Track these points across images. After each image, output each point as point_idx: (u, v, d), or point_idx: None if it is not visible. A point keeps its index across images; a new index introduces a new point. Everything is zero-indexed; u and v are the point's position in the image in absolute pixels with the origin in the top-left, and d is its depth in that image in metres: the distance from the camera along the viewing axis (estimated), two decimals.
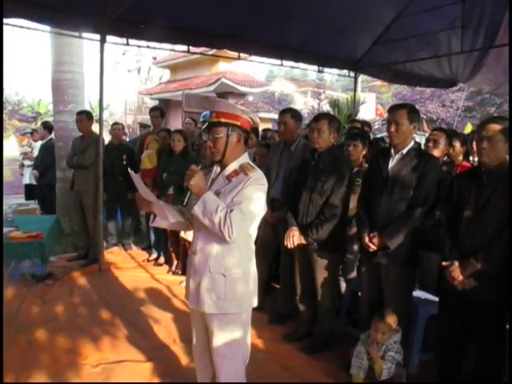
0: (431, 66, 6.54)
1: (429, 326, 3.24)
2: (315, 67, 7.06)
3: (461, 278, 2.51)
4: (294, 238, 3.38)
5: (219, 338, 2.19)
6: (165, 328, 3.79)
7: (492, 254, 2.44)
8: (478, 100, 19.52)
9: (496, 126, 2.48)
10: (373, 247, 2.99)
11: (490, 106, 19.55)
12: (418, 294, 3.41)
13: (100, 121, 5.40)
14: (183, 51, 6.07)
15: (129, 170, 2.31)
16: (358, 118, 8.33)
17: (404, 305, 3.04)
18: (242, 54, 6.20)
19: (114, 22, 4.79)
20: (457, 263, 2.53)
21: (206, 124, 2.25)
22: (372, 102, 19.61)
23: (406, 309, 3.05)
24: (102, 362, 3.20)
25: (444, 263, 2.60)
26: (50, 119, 8.60)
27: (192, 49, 5.73)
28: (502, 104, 17.74)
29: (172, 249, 5.39)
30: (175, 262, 5.38)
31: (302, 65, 6.71)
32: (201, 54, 8.15)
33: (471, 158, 4.45)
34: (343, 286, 4.00)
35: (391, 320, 2.82)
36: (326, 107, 17.44)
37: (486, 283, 2.47)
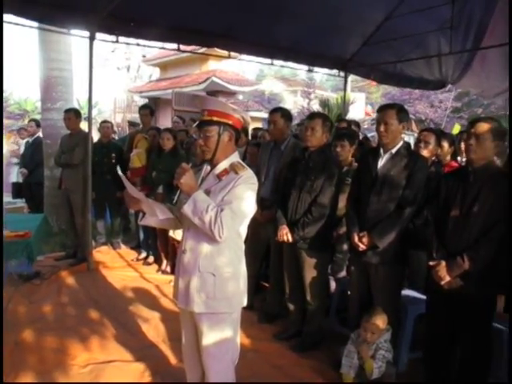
0: (421, 68, 6.58)
1: (417, 324, 3.26)
2: (305, 67, 7.06)
3: (447, 278, 2.54)
4: (287, 235, 3.39)
5: (208, 338, 2.19)
6: (154, 327, 3.77)
7: (478, 253, 2.47)
8: (465, 101, 19.69)
9: (485, 125, 2.53)
10: (362, 246, 3.01)
11: (478, 107, 19.74)
12: (407, 292, 3.43)
13: (89, 119, 5.36)
14: (173, 49, 6.03)
15: (117, 168, 2.30)
16: (347, 117, 8.36)
17: (393, 304, 3.06)
18: (232, 53, 6.19)
19: (104, 19, 4.74)
20: (443, 263, 2.55)
21: (198, 122, 2.24)
22: (361, 101, 19.72)
23: (394, 308, 3.07)
24: (90, 362, 3.18)
25: (431, 263, 2.62)
26: (38, 117, 8.51)
27: (182, 47, 5.70)
28: (488, 105, 17.93)
29: (161, 248, 5.37)
30: (164, 261, 5.36)
31: (292, 64, 6.70)
32: (191, 52, 8.14)
33: (459, 158, 4.49)
34: (333, 285, 4.01)
35: (381, 319, 2.84)
36: (315, 107, 17.52)
37: (472, 283, 2.50)
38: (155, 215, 2.24)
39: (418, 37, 5.54)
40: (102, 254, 5.89)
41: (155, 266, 5.50)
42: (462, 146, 3.96)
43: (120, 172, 2.26)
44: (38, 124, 7.67)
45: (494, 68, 5.97)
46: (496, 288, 2.67)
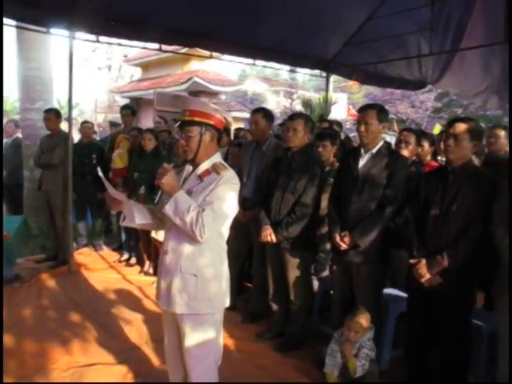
0: (401, 68, 6.66)
1: (399, 322, 3.30)
2: (287, 67, 7.09)
3: (427, 275, 2.58)
4: (271, 236, 3.40)
5: (191, 339, 2.18)
6: (136, 329, 3.75)
7: (458, 251, 2.51)
8: (445, 101, 19.96)
9: (463, 125, 2.58)
10: (344, 246, 3.03)
11: (457, 107, 20.03)
12: (388, 291, 3.46)
13: (69, 119, 5.29)
14: (155, 49, 5.99)
15: (98, 169, 2.27)
16: (329, 117, 8.41)
17: (375, 302, 3.09)
18: (214, 53, 6.18)
19: (84, 17, 4.68)
20: (424, 261, 2.59)
21: (179, 122, 2.23)
22: (344, 102, 19.83)
23: (376, 306, 3.10)
24: (72, 366, 3.14)
25: (411, 261, 2.66)
26: (17, 117, 8.37)
27: (164, 47, 5.66)
28: (468, 105, 18.21)
29: (143, 249, 5.34)
30: (147, 263, 5.32)
31: (274, 64, 6.71)
32: (173, 52, 8.09)
33: (439, 158, 4.55)
34: (316, 284, 4.03)
35: (364, 318, 2.86)
36: (298, 107, 17.57)
37: (451, 280, 2.54)
38: (133, 221, 2.22)
39: (398, 38, 5.60)
40: (84, 255, 5.82)
41: (137, 268, 5.46)
42: (442, 145, 4.02)
43: (100, 173, 2.23)
44: (16, 124, 7.54)
45: (472, 68, 6.07)
46: (475, 285, 2.72)
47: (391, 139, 7.29)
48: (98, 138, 8.71)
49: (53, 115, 5.44)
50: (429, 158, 4.03)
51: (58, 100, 20.67)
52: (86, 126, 6.25)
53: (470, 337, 2.66)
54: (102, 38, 5.23)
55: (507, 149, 4.35)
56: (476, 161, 3.55)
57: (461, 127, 2.57)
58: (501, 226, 2.35)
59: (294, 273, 3.44)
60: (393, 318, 3.29)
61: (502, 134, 4.19)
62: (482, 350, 2.97)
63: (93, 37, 5.17)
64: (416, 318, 2.79)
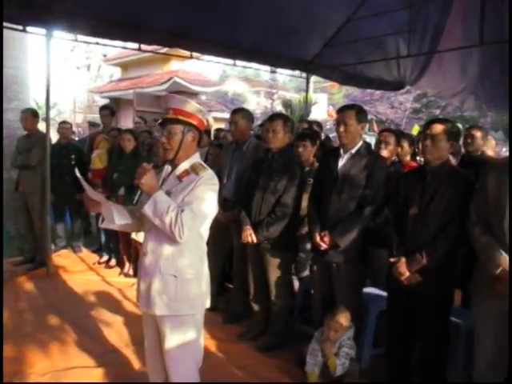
0: (380, 69, 6.73)
1: (379, 321, 3.33)
2: (268, 67, 7.10)
3: (407, 273, 2.61)
4: (252, 236, 3.40)
5: (171, 341, 2.16)
6: (116, 332, 3.71)
7: (436, 250, 2.55)
8: (424, 102, 20.26)
9: (439, 126, 2.63)
10: (324, 246, 3.05)
11: (435, 108, 20.34)
12: (368, 290, 3.50)
13: (47, 119, 5.20)
14: (134, 49, 5.93)
15: (76, 171, 2.23)
16: (310, 118, 8.45)
17: (355, 301, 3.12)
18: (194, 53, 6.15)
19: (62, 16, 4.61)
20: (403, 259, 2.63)
21: (161, 120, 2.21)
22: (324, 102, 19.97)
23: (357, 305, 3.12)
24: (50, 370, 3.08)
25: (391, 259, 2.69)
26: None
27: (143, 47, 5.62)
28: (446, 106, 18.52)
29: (123, 250, 5.28)
30: (127, 264, 5.27)
31: (254, 65, 6.72)
32: (152, 52, 8.04)
33: (418, 158, 4.61)
34: (296, 284, 4.04)
35: (344, 317, 2.88)
36: (278, 107, 17.63)
37: (430, 278, 2.58)
38: (113, 222, 2.19)
39: (377, 39, 5.66)
40: (62, 257, 5.73)
41: (117, 269, 5.40)
42: (420, 146, 4.08)
43: (78, 174, 2.19)
44: None
45: (450, 69, 6.18)
46: (453, 284, 2.76)
47: (371, 139, 7.37)
48: (76, 139, 8.60)
49: (30, 115, 5.35)
50: (408, 158, 4.09)
51: (36, 100, 20.33)
52: (64, 127, 6.15)
53: (449, 335, 2.71)
54: (81, 37, 5.16)
55: (483, 149, 4.44)
56: (453, 160, 3.61)
57: (438, 128, 2.62)
58: (477, 225, 2.39)
59: (274, 273, 3.44)
60: (373, 317, 3.32)
61: (479, 134, 4.27)
62: (459, 347, 3.02)
63: (71, 35, 5.08)
64: (396, 316, 2.82)
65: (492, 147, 5.12)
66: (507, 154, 9.03)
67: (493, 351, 2.39)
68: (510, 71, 4.36)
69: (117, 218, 2.18)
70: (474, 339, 2.54)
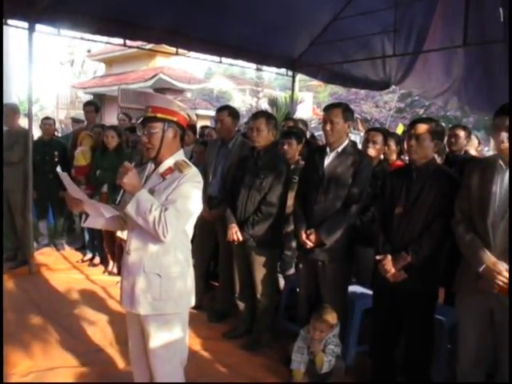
0: (366, 69, 6.77)
1: (364, 319, 3.35)
2: (254, 65, 7.09)
3: (393, 270, 2.63)
4: (237, 234, 3.38)
5: (156, 340, 2.14)
6: (100, 331, 3.67)
7: (421, 247, 2.57)
8: (408, 102, 20.50)
9: (424, 126, 2.65)
10: (310, 244, 3.05)
11: (419, 107, 20.58)
12: (354, 288, 3.51)
13: (29, 115, 5.12)
14: (119, 44, 5.87)
15: (58, 168, 2.18)
16: (295, 116, 8.46)
17: (340, 299, 3.13)
18: (180, 50, 6.11)
19: (45, 9, 4.53)
20: (389, 257, 2.65)
21: (142, 119, 2.19)
22: (309, 101, 20.06)
23: (342, 303, 3.14)
24: (32, 370, 3.03)
25: (378, 257, 2.71)
26: None
27: (128, 42, 5.56)
28: (429, 106, 18.75)
29: (107, 248, 5.23)
30: (111, 262, 5.22)
31: (240, 62, 6.71)
32: (137, 48, 7.95)
33: (403, 157, 4.64)
34: (282, 282, 4.05)
35: (330, 316, 2.89)
36: (264, 105, 17.64)
37: (415, 276, 2.60)
38: (100, 215, 2.16)
39: (363, 38, 5.70)
40: (45, 255, 5.65)
41: (101, 268, 5.35)
42: (405, 145, 4.10)
43: (60, 171, 2.14)
44: None
45: (434, 70, 6.25)
46: (438, 282, 2.79)
47: (355, 138, 7.41)
48: (59, 135, 8.48)
49: (10, 111, 5.25)
50: (394, 157, 4.11)
51: (18, 96, 20.00)
52: (46, 123, 6.06)
53: (434, 332, 2.74)
54: (64, 32, 5.07)
55: (467, 148, 4.49)
56: (438, 159, 3.64)
57: (422, 128, 2.64)
58: (461, 223, 2.41)
59: (260, 271, 3.44)
60: (358, 315, 3.34)
61: (462, 133, 4.32)
62: (442, 344, 3.05)
63: (54, 30, 5.00)
64: (381, 314, 2.84)
65: (475, 146, 5.20)
66: (490, 153, 9.18)
67: (476, 349, 2.41)
68: (510, 71, 4.38)
69: (105, 211, 2.15)
70: (457, 336, 2.57)
